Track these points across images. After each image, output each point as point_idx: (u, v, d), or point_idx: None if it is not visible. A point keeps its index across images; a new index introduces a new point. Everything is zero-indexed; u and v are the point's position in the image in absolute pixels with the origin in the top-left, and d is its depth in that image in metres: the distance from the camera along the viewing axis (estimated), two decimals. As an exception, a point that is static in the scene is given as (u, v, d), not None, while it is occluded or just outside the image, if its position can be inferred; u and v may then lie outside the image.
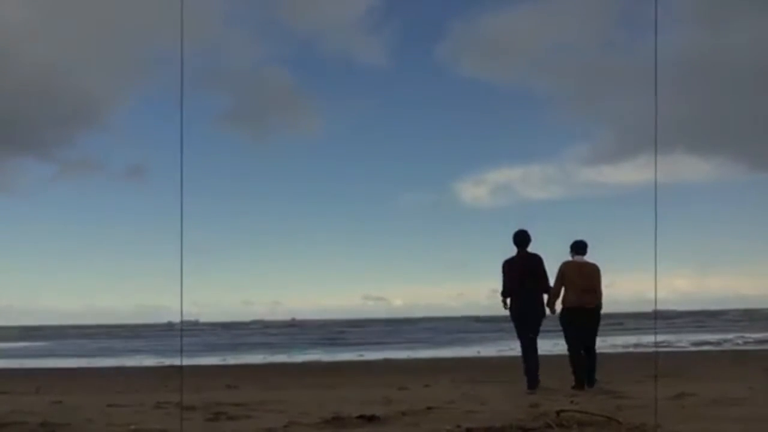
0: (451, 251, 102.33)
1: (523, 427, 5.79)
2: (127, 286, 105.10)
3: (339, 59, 75.98)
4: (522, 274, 9.45)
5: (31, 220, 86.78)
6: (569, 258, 9.69)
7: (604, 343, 25.84)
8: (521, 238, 9.62)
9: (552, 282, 9.56)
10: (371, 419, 6.50)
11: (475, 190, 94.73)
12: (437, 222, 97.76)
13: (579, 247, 9.72)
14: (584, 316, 9.49)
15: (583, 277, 9.49)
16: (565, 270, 9.51)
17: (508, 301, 9.55)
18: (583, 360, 9.53)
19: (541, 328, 9.59)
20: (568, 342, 9.60)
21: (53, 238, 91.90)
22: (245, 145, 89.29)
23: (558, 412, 6.21)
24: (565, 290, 9.52)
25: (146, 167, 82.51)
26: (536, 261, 9.54)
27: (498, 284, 9.65)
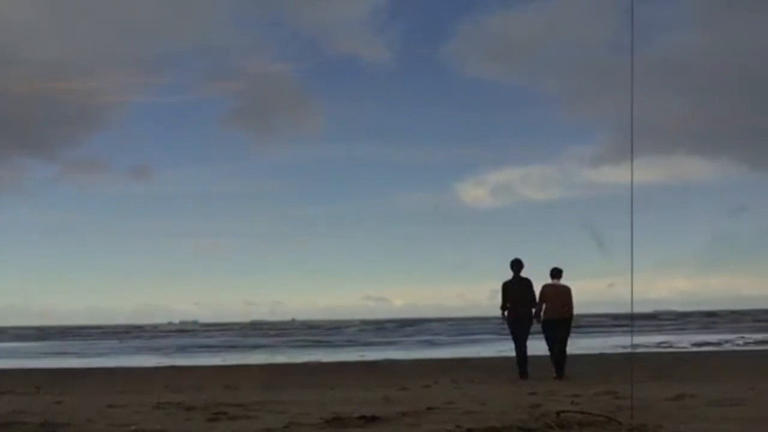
0: (452, 251, 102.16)
1: (524, 428, 5.79)
2: (127, 286, 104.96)
3: (343, 59, 75.91)
4: (516, 293, 12.38)
5: (33, 219, 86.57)
6: (549, 280, 12.53)
7: (605, 344, 25.90)
8: (517, 265, 12.52)
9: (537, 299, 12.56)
10: (371, 419, 6.50)
11: (475, 191, 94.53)
12: (437, 222, 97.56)
13: (556, 273, 12.54)
14: (559, 325, 12.39)
15: (558, 296, 12.42)
16: (544, 291, 12.43)
17: (506, 313, 12.46)
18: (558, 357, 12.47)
19: (530, 335, 12.58)
20: (548, 344, 12.51)
21: (54, 237, 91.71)
22: (248, 144, 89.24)
23: (558, 413, 6.22)
24: (545, 306, 12.41)
25: (150, 167, 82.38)
26: (527, 283, 12.48)
27: (497, 284, 12.64)
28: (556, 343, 12.39)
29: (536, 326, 12.61)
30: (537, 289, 12.52)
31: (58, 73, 60.94)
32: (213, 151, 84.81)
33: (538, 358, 12.82)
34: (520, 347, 12.45)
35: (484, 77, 78.98)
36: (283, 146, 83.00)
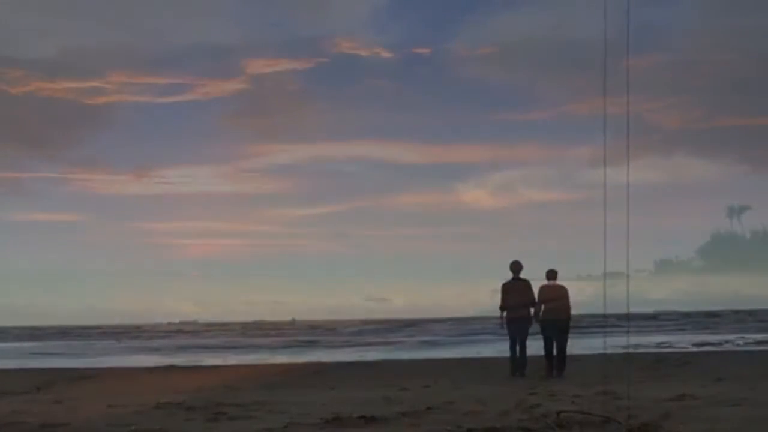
0: (452, 251, 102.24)
1: (524, 428, 5.80)
2: (127, 286, 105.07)
3: (343, 59, 75.82)
4: (515, 294, 12.71)
5: (33, 219, 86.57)
6: (545, 281, 12.81)
7: (605, 344, 25.82)
8: (516, 267, 12.90)
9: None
10: (371, 419, 6.51)
11: (476, 191, 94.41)
12: (438, 222, 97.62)
13: (551, 274, 12.85)
14: (556, 325, 12.63)
15: (554, 297, 12.70)
16: (542, 292, 12.74)
17: (504, 314, 12.76)
18: (553, 356, 12.68)
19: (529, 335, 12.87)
20: (545, 344, 12.76)
21: (54, 238, 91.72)
22: (248, 144, 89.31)
23: (558, 413, 6.22)
24: (543, 307, 12.67)
25: (150, 167, 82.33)
26: (526, 284, 12.82)
27: (497, 284, 13.07)
28: (553, 344, 12.64)
29: (535, 326, 12.81)
30: (535, 291, 12.82)
31: (58, 73, 60.94)
32: (213, 151, 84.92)
33: (538, 359, 12.91)
34: (520, 347, 12.70)
35: (484, 77, 79.05)
36: (283, 146, 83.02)
